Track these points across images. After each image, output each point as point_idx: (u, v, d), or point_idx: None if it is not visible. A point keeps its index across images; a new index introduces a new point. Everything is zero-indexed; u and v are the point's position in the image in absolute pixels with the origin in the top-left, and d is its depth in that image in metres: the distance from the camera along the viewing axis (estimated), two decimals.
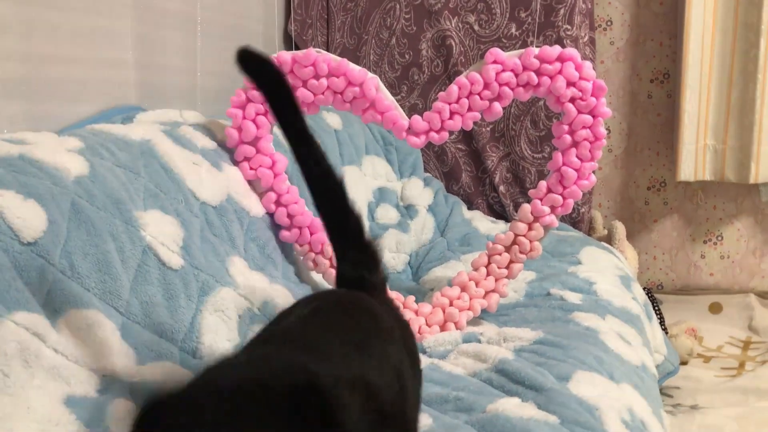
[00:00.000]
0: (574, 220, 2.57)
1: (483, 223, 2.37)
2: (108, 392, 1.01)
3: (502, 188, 2.58)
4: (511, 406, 1.17)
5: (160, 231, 1.28)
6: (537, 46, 1.65)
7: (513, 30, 2.48)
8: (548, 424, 1.12)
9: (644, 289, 2.55)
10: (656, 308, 2.49)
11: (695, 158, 2.68)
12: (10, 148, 1.15)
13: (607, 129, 2.89)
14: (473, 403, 1.20)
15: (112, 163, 1.30)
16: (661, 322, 2.48)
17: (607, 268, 2.09)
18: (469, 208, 2.55)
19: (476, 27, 2.52)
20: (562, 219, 2.57)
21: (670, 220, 2.94)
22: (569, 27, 2.42)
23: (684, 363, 2.47)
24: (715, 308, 2.88)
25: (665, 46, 2.82)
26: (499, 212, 2.59)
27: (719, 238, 2.90)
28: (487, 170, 2.58)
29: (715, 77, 2.64)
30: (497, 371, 1.33)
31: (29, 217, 1.04)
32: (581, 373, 1.34)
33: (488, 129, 2.56)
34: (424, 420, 1.14)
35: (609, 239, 2.49)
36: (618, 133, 2.93)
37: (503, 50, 1.62)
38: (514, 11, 2.48)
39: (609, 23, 2.87)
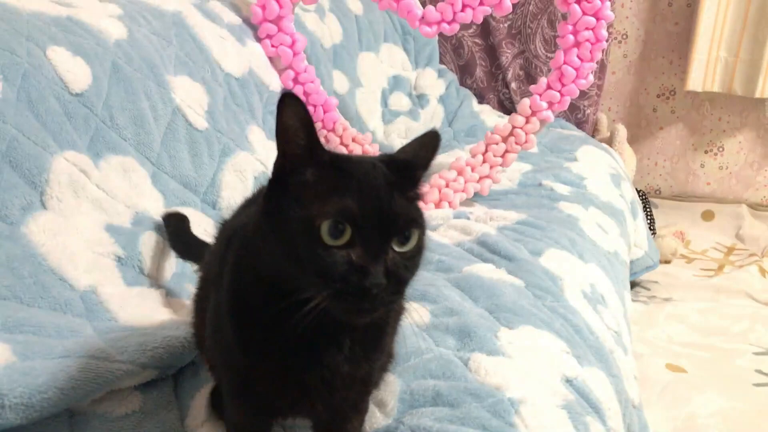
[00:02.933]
0: (579, 120, 2.68)
1: (490, 116, 2.49)
2: (140, 225, 1.20)
3: (513, 85, 2.68)
4: (484, 270, 1.35)
5: (188, 95, 1.43)
6: None
7: None
8: (513, 285, 1.30)
9: (640, 191, 2.70)
10: (647, 210, 2.65)
11: (705, 69, 2.74)
12: (59, 9, 1.29)
13: (624, 34, 2.96)
14: (452, 265, 1.39)
15: (148, 31, 1.44)
16: (651, 224, 2.64)
17: (601, 166, 2.22)
18: (481, 102, 2.67)
19: None
20: (567, 118, 2.69)
21: (675, 128, 3.04)
22: None
23: (667, 262, 2.66)
24: (708, 216, 3.02)
25: None
26: (509, 108, 2.70)
27: (720, 149, 3.00)
28: (501, 66, 2.68)
29: None
30: (478, 243, 1.51)
31: (77, 72, 1.20)
32: (553, 250, 1.51)
33: (505, 25, 2.63)
34: None
35: (611, 141, 2.61)
36: (634, 39, 2.98)
37: None
38: None
39: None
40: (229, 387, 0.73)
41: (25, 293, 0.95)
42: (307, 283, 0.57)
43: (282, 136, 0.59)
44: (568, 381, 1.07)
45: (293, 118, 0.58)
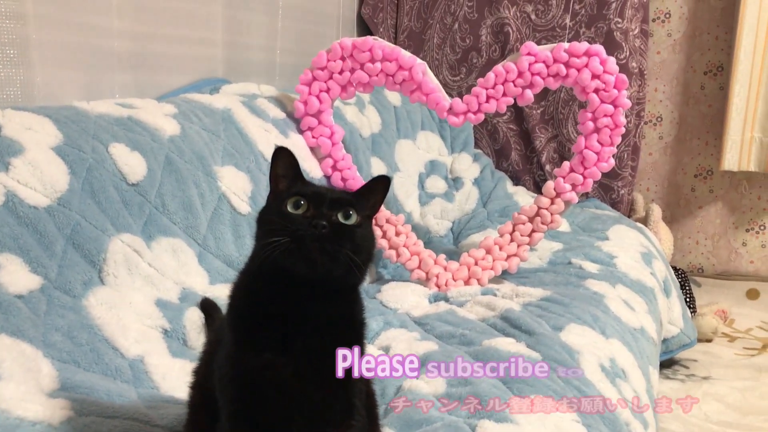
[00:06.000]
0: (614, 200, 2.75)
1: (524, 197, 2.59)
2: (186, 301, 1.34)
3: (548, 167, 2.78)
4: (504, 343, 1.43)
5: (233, 183, 1.59)
6: (587, 38, 1.85)
7: (567, 21, 2.66)
8: (530, 358, 1.37)
9: (679, 270, 2.72)
10: (686, 288, 2.66)
11: (740, 149, 2.80)
12: (122, 110, 1.48)
13: (659, 117, 3.06)
14: (474, 339, 1.47)
15: (199, 127, 1.62)
16: (690, 302, 2.65)
17: (632, 245, 2.28)
18: (516, 184, 2.78)
19: (533, 16, 2.72)
20: (602, 198, 2.77)
21: (714, 207, 3.07)
22: (620, 20, 2.58)
23: (708, 341, 2.65)
24: (753, 294, 3.01)
25: (721, 40, 2.94)
26: None
27: (762, 228, 3.01)
28: (535, 150, 2.79)
29: (767, 72, 2.75)
30: (501, 318, 1.59)
31: (134, 165, 1.37)
32: (574, 326, 1.57)
33: (539, 111, 2.76)
34: (431, 346, 1.42)
35: (646, 221, 2.67)
36: (669, 122, 3.07)
37: (556, 40, 1.84)
38: (569, 2, 2.66)
39: (667, 15, 2.99)
40: (229, 409, 0.78)
41: (83, 359, 1.08)
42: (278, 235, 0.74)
43: (273, 180, 0.82)
44: None
45: (281, 168, 0.81)
